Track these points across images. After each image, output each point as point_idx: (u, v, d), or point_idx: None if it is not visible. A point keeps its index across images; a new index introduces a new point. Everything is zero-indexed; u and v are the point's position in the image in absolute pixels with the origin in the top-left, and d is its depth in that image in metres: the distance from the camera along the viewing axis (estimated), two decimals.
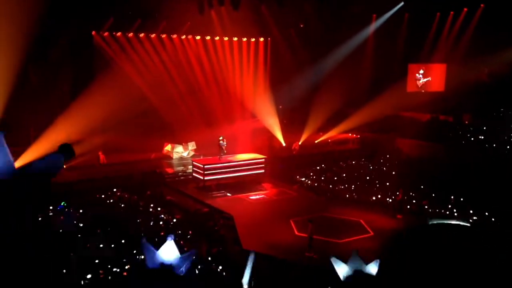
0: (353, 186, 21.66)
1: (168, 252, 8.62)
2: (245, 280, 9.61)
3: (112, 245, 13.30)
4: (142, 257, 10.79)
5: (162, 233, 14.61)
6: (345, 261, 8.68)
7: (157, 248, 8.64)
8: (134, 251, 12.85)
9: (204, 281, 11.38)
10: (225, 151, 23.36)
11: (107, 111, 23.83)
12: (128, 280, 10.98)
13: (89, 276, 11.06)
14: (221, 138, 23.35)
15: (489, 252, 14.05)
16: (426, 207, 18.83)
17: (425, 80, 32.19)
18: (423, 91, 32.13)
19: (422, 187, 20.85)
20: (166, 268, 8.44)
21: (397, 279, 11.98)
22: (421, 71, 32.19)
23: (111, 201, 18.63)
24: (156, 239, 12.55)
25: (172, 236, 8.81)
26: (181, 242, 14.16)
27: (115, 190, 19.79)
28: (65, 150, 6.16)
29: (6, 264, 5.43)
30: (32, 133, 23.26)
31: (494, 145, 25.13)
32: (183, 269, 8.60)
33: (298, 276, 13.18)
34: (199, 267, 11.91)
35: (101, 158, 24.46)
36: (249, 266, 9.76)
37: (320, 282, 11.34)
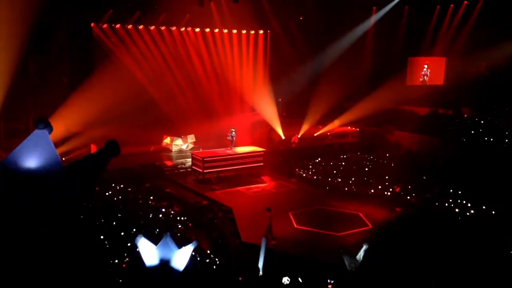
0: (352, 179, 21.68)
1: (166, 248, 8.65)
2: (260, 264, 9.77)
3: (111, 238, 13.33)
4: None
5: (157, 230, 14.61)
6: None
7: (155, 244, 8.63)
8: (132, 244, 12.86)
9: (206, 276, 11.41)
10: (234, 144, 23.46)
11: (106, 104, 23.77)
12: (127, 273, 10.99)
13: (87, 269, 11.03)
14: (233, 130, 23.45)
15: (487, 246, 14.06)
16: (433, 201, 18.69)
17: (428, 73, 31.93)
18: (427, 83, 31.88)
19: (421, 179, 20.88)
20: (165, 265, 8.40)
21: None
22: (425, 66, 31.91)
23: (110, 193, 18.61)
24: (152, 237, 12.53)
25: (169, 234, 8.84)
26: (181, 234, 14.19)
27: (113, 184, 19.76)
28: (112, 147, 5.61)
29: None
30: (31, 125, 23.24)
31: (492, 139, 25.13)
32: (183, 265, 8.61)
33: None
34: (198, 259, 11.96)
35: (92, 150, 24.36)
36: (263, 250, 9.86)
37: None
